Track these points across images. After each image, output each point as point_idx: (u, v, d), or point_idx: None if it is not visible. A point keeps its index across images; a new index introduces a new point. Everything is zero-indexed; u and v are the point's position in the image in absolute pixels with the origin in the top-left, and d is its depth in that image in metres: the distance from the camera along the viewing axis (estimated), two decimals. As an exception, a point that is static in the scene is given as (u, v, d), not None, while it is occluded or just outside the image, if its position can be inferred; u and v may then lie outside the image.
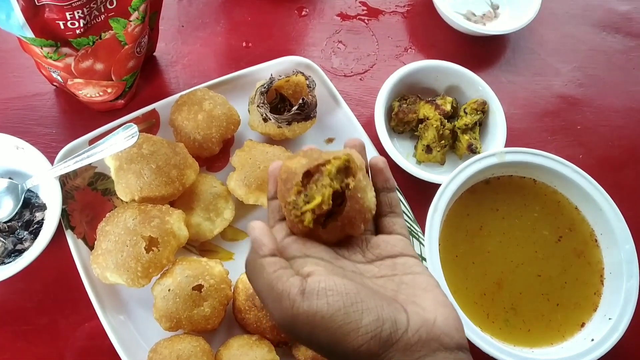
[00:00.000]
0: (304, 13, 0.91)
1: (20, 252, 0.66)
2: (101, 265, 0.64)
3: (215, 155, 0.74)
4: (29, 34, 0.60)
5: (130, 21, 0.65)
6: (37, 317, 0.67)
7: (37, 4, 0.58)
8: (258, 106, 0.73)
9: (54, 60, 0.65)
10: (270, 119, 0.73)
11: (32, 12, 0.58)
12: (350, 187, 0.45)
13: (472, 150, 0.77)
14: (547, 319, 0.67)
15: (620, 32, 0.96)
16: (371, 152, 0.76)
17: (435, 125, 0.77)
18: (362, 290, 0.40)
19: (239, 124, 0.75)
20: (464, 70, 0.80)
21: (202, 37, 0.87)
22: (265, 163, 0.70)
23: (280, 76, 0.75)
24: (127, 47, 0.68)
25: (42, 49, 0.63)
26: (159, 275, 0.65)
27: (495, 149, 0.74)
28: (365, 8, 0.93)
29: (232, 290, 0.67)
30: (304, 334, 0.39)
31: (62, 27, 0.61)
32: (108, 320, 0.64)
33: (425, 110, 0.78)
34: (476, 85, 0.80)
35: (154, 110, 0.74)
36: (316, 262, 0.43)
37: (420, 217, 0.71)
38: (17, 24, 0.59)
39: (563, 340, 0.66)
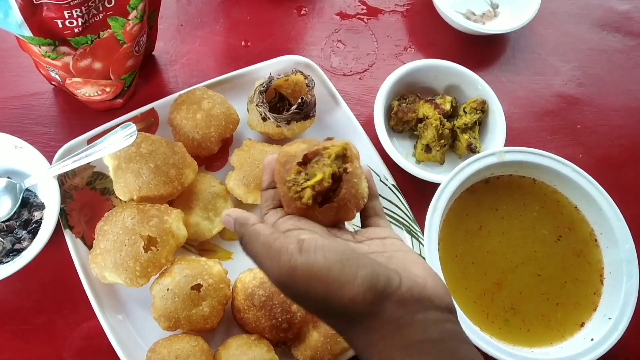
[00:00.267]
0: (303, 12, 0.91)
1: (19, 251, 0.66)
2: (100, 264, 0.63)
3: (214, 155, 0.74)
4: (27, 32, 0.60)
5: (129, 20, 0.65)
6: (35, 316, 0.67)
7: (35, 2, 0.58)
8: (257, 105, 0.73)
9: (52, 59, 0.64)
10: (269, 118, 0.73)
11: (30, 11, 0.58)
12: (347, 170, 0.47)
13: (472, 150, 0.77)
14: (546, 319, 0.67)
15: (620, 32, 0.96)
16: (370, 152, 0.76)
17: (434, 125, 0.77)
18: (356, 250, 0.42)
19: (238, 123, 0.75)
20: (464, 70, 0.80)
21: (201, 36, 0.86)
22: (264, 162, 0.70)
23: (279, 75, 0.75)
24: (125, 46, 0.67)
25: (40, 47, 0.63)
26: (157, 275, 0.65)
27: (494, 148, 0.74)
28: (364, 7, 0.93)
29: (231, 290, 0.67)
30: (300, 287, 0.40)
31: (61, 25, 0.61)
32: (106, 319, 0.64)
33: (425, 109, 0.78)
34: (476, 85, 0.79)
35: (152, 110, 0.74)
36: (311, 232, 0.44)
37: (420, 216, 0.71)
38: (15, 22, 0.58)
39: (563, 340, 0.66)
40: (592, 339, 0.64)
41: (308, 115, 0.74)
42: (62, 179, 0.70)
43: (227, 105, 0.74)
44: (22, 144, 0.68)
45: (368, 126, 0.78)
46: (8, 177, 0.69)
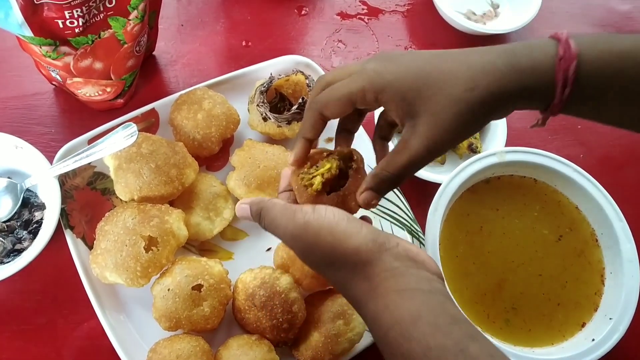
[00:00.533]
0: (303, 12, 0.91)
1: (19, 251, 0.66)
2: (100, 264, 0.63)
3: (214, 155, 0.74)
4: (28, 32, 0.60)
5: (130, 20, 0.65)
6: (36, 316, 0.67)
7: (35, 2, 0.58)
8: (258, 105, 0.73)
9: (52, 59, 0.64)
10: (270, 118, 0.73)
11: (31, 11, 0.58)
12: (353, 167, 0.53)
13: (473, 150, 0.77)
14: (547, 319, 0.67)
15: (621, 32, 0.96)
16: (371, 152, 0.76)
17: (435, 125, 0.77)
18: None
19: (239, 123, 0.75)
20: (464, 70, 0.79)
21: (201, 36, 0.86)
22: (265, 162, 0.70)
23: (280, 75, 0.75)
24: (126, 46, 0.67)
25: (41, 47, 0.63)
26: (158, 275, 0.65)
27: (495, 148, 0.74)
28: (365, 7, 0.93)
29: (232, 290, 0.67)
30: (310, 238, 0.46)
31: (61, 25, 0.61)
32: (107, 319, 0.64)
33: (426, 109, 0.78)
34: (476, 85, 0.79)
35: (153, 110, 0.74)
36: None
37: (421, 216, 0.71)
38: (15, 22, 0.58)
39: (564, 340, 0.66)
40: (593, 339, 0.64)
41: (309, 115, 0.74)
42: (63, 179, 0.70)
43: (228, 105, 0.74)
44: (22, 144, 0.68)
45: (369, 126, 0.77)
46: (9, 177, 0.69)
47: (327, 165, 0.52)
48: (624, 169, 0.85)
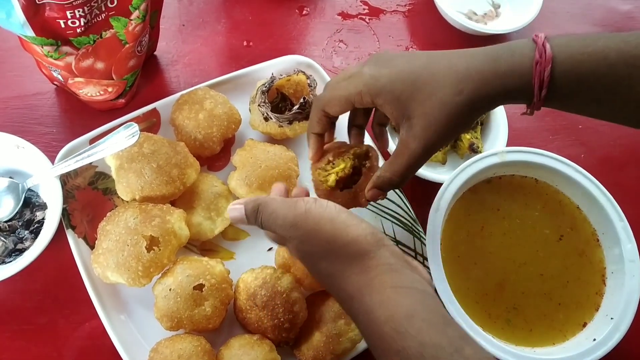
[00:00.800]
0: (304, 12, 0.91)
1: (21, 251, 0.66)
2: (102, 264, 0.63)
3: (216, 155, 0.74)
4: (30, 32, 0.60)
5: (131, 20, 0.65)
6: (37, 316, 0.67)
7: (37, 2, 0.58)
8: (259, 105, 0.73)
9: (54, 59, 0.65)
10: (271, 118, 0.73)
11: (33, 11, 0.58)
12: (366, 166, 0.60)
13: (474, 150, 0.77)
14: (549, 319, 0.67)
15: (622, 32, 0.96)
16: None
17: (436, 125, 0.77)
18: None
19: (240, 123, 0.75)
20: (466, 70, 0.79)
21: (202, 36, 0.86)
22: (267, 162, 0.70)
23: (281, 75, 0.75)
24: (127, 46, 0.67)
25: (42, 47, 0.63)
26: (159, 275, 0.65)
27: (496, 148, 0.74)
28: (366, 7, 0.93)
29: (233, 290, 0.67)
30: (310, 225, 0.47)
31: (63, 25, 0.61)
32: (109, 319, 0.64)
33: (427, 109, 0.78)
34: (477, 85, 0.79)
35: (154, 110, 0.74)
36: None
37: (422, 216, 0.71)
38: (17, 22, 0.58)
39: (565, 340, 0.66)
40: (594, 339, 0.64)
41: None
42: (65, 179, 0.70)
43: (229, 105, 0.74)
44: (24, 144, 0.68)
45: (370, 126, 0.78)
46: (10, 177, 0.69)
47: (342, 165, 0.59)
48: (625, 168, 0.85)
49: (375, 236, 0.47)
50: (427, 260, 0.66)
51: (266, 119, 0.73)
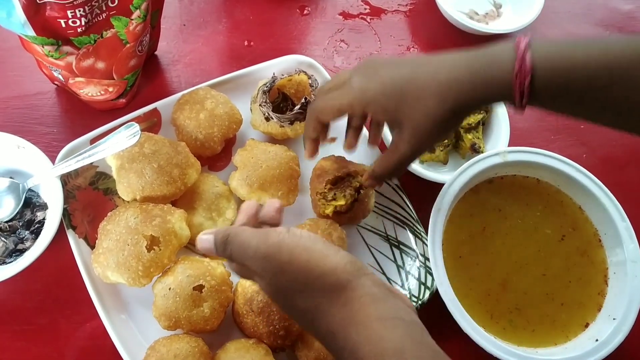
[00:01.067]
0: (305, 12, 0.91)
1: (22, 251, 0.66)
2: (102, 264, 0.63)
3: (217, 155, 0.74)
4: (30, 32, 0.60)
5: (132, 19, 0.65)
6: (38, 316, 0.67)
7: (38, 2, 0.58)
8: (260, 105, 0.73)
9: (55, 58, 0.64)
10: (272, 118, 0.73)
11: (34, 11, 0.58)
12: (361, 193, 0.68)
13: (475, 150, 0.77)
14: (551, 319, 0.67)
15: (624, 32, 0.96)
16: (374, 152, 0.76)
17: (438, 125, 0.76)
18: None
19: (241, 123, 0.75)
20: (467, 69, 0.79)
21: (203, 36, 0.86)
22: (268, 162, 0.70)
23: (282, 75, 0.75)
24: (128, 45, 0.67)
25: (43, 47, 0.63)
26: (160, 274, 0.64)
27: (498, 148, 0.74)
28: (367, 7, 0.93)
29: (233, 293, 0.66)
30: (284, 256, 0.44)
31: (64, 25, 0.61)
32: (109, 319, 0.64)
33: (428, 109, 0.78)
34: (479, 85, 0.79)
35: (155, 109, 0.74)
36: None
37: (424, 216, 0.71)
38: (18, 22, 0.58)
39: (567, 340, 0.66)
40: (596, 340, 0.63)
41: (311, 115, 0.74)
42: (65, 179, 0.69)
43: (230, 105, 0.74)
44: (24, 144, 0.68)
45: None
46: (11, 177, 0.69)
47: (341, 202, 0.67)
48: (627, 168, 0.85)
49: (354, 265, 0.44)
50: (428, 261, 0.66)
51: (267, 119, 0.73)
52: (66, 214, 0.68)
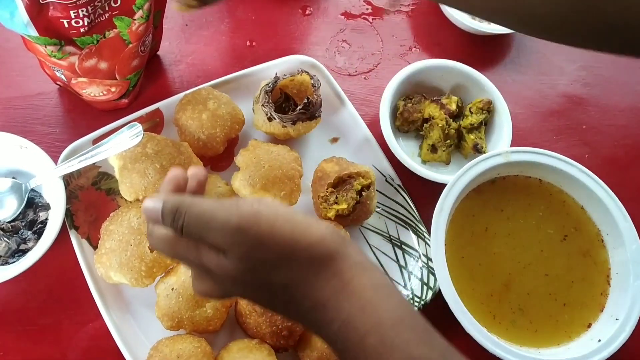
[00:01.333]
0: (308, 12, 0.91)
1: (24, 252, 0.66)
2: (105, 264, 0.63)
3: (219, 155, 0.74)
4: (33, 32, 0.60)
5: (135, 20, 0.65)
6: (40, 317, 0.67)
7: (41, 2, 0.58)
8: (262, 105, 0.73)
9: (57, 59, 0.64)
10: (274, 119, 0.73)
11: (36, 11, 0.58)
12: (363, 195, 0.68)
13: (478, 150, 0.77)
14: (554, 320, 0.67)
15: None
16: (376, 152, 0.76)
17: (440, 125, 0.77)
18: None
19: (244, 124, 0.75)
20: (469, 70, 0.79)
21: (206, 36, 0.86)
22: (270, 162, 0.70)
23: (284, 75, 0.75)
24: (131, 45, 0.67)
25: (46, 47, 0.63)
26: (162, 275, 0.64)
27: (500, 148, 0.74)
28: (369, 7, 0.93)
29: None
30: (264, 228, 0.39)
31: (66, 25, 0.61)
32: (112, 320, 0.64)
33: (431, 109, 0.78)
34: (481, 85, 0.79)
35: (157, 110, 0.74)
36: None
37: (426, 217, 0.71)
38: (21, 22, 0.58)
39: (570, 340, 0.66)
40: (599, 340, 0.63)
41: (314, 116, 0.74)
42: (68, 179, 0.69)
43: (233, 105, 0.74)
44: (27, 144, 0.68)
45: (373, 126, 0.78)
46: (13, 178, 0.69)
47: (343, 206, 0.67)
48: (630, 169, 0.85)
49: (339, 234, 0.42)
50: (431, 261, 0.66)
51: (270, 119, 0.73)
52: (69, 214, 0.68)
